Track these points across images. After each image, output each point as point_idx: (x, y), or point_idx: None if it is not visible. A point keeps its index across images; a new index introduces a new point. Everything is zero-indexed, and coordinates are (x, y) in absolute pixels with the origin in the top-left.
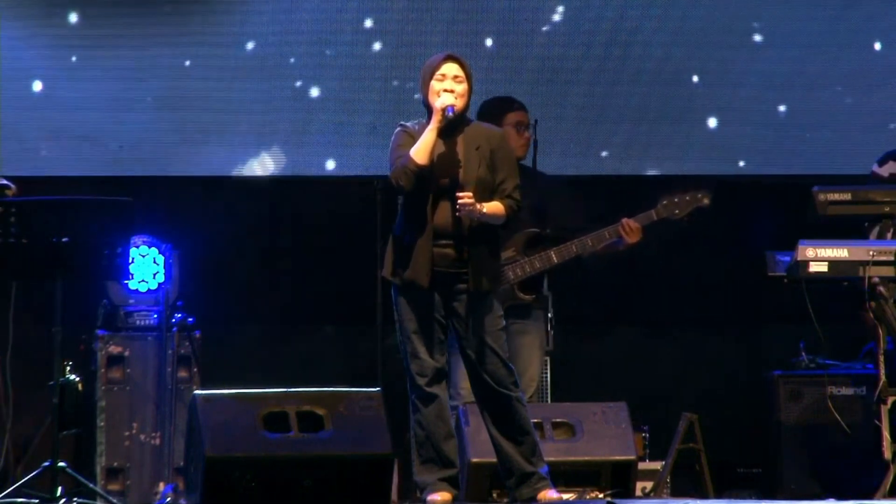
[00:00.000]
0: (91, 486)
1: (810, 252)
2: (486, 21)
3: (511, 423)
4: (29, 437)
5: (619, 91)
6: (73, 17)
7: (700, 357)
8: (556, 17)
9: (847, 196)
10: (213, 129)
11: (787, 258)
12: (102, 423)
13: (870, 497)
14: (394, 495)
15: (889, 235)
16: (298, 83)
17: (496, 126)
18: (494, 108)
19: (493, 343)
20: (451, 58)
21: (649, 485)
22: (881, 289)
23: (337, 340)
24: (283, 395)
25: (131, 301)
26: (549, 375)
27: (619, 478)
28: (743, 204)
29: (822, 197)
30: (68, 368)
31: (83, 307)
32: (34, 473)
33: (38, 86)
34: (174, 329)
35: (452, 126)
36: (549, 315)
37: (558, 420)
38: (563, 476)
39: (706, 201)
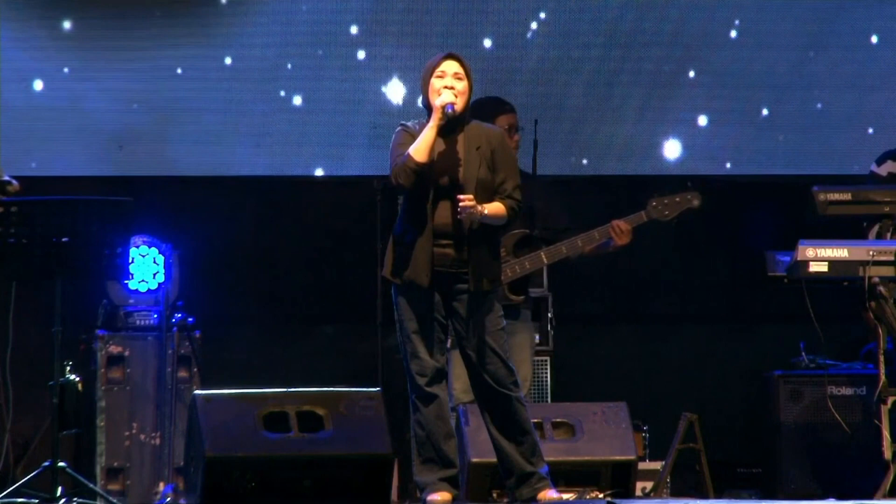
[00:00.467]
0: (91, 486)
1: (810, 252)
2: (485, 22)
3: (511, 423)
4: (29, 437)
5: (618, 92)
6: (73, 18)
7: (700, 357)
8: (555, 18)
9: (847, 196)
10: (213, 129)
11: (787, 258)
12: (102, 423)
13: (870, 497)
14: (394, 495)
15: (889, 235)
16: (298, 83)
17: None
18: (485, 110)
19: (494, 343)
20: (451, 56)
21: (649, 485)
22: (881, 289)
23: (337, 340)
24: (283, 395)
25: (131, 301)
26: (549, 375)
27: (619, 478)
28: (743, 204)
29: (822, 197)
30: (68, 368)
31: (83, 307)
32: (34, 473)
33: (38, 85)
34: (174, 329)
35: (453, 125)
36: (550, 315)
37: (558, 420)
38: (563, 476)
39: (696, 203)
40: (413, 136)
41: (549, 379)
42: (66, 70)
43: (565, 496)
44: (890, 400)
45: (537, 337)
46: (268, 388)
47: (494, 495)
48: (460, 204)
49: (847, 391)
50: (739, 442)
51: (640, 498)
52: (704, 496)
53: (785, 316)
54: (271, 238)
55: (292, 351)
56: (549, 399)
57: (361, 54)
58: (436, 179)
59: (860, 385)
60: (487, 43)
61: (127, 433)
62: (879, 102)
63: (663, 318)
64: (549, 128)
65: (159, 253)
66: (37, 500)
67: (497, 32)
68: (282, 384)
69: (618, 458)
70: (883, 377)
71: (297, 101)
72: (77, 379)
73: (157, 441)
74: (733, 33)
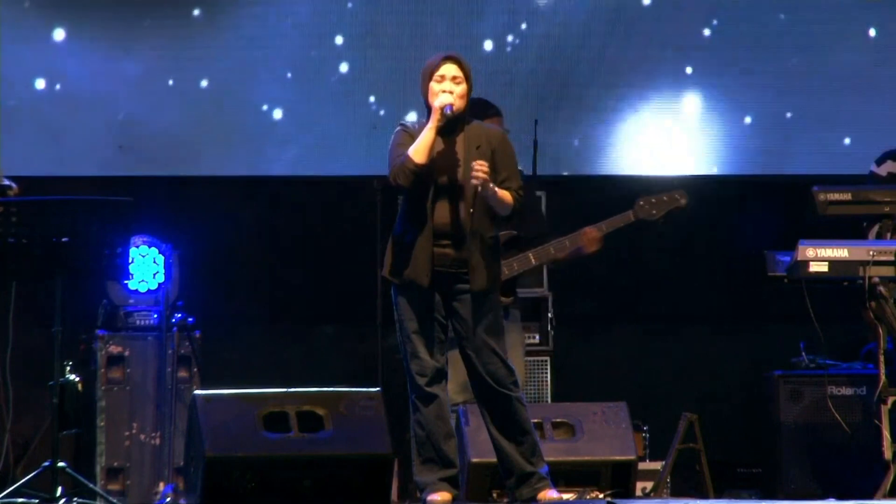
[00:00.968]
0: (91, 486)
1: (810, 252)
2: (484, 22)
3: (511, 423)
4: (29, 437)
5: (617, 92)
6: (73, 18)
7: (700, 357)
8: (554, 18)
9: (847, 196)
10: (212, 129)
11: (787, 258)
12: (102, 423)
13: (870, 497)
14: (394, 495)
15: (889, 235)
16: (298, 83)
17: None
18: (471, 113)
19: (494, 343)
20: (449, 58)
21: (649, 485)
22: (881, 289)
23: (337, 340)
24: (283, 395)
25: (131, 301)
26: (549, 375)
27: (619, 478)
28: (743, 204)
29: (822, 197)
30: (68, 368)
31: (83, 307)
32: (34, 473)
33: (40, 84)
34: (174, 329)
35: (452, 125)
36: (550, 315)
37: (558, 420)
38: (563, 476)
39: (683, 202)
40: (412, 137)
41: (548, 379)
42: (66, 70)
43: (565, 496)
44: (890, 400)
45: (537, 337)
46: (268, 388)
47: (494, 495)
48: (474, 171)
49: (847, 391)
50: (739, 442)
51: (640, 498)
52: (704, 496)
53: (785, 316)
54: (271, 238)
55: (292, 351)
56: (548, 399)
57: (362, 55)
58: (436, 179)
59: (860, 385)
60: (487, 44)
61: (127, 433)
62: (881, 103)
63: (663, 318)
64: (548, 128)
65: (159, 253)
66: (37, 500)
67: (497, 33)
68: (282, 384)
69: (618, 458)
70: (883, 377)
71: (297, 101)
72: (77, 379)
73: (157, 441)
74: (733, 33)
